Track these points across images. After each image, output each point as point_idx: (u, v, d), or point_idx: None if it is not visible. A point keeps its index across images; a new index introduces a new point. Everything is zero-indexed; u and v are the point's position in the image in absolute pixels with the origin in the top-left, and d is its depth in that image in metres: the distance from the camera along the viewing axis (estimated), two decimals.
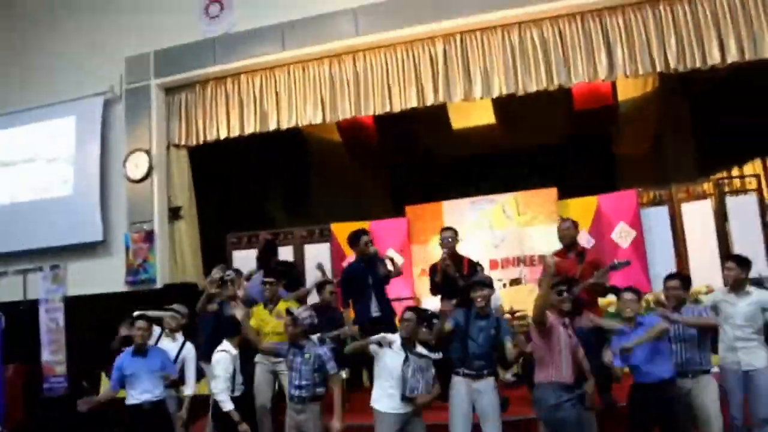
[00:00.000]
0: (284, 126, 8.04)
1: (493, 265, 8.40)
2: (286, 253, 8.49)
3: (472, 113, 10.39)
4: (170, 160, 8.52)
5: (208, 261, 8.31)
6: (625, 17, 7.08)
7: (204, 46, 8.27)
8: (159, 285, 7.97)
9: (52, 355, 8.32)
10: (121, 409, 5.27)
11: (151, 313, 5.68)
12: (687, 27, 6.87)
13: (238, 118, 8.20)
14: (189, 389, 5.55)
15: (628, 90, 9.82)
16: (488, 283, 4.91)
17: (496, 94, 7.43)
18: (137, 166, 8.29)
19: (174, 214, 8.43)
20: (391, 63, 7.73)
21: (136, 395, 5.15)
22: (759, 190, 7.70)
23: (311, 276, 7.98)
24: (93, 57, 8.76)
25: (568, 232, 5.76)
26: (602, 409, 4.85)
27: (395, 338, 4.70)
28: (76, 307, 8.28)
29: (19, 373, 8.21)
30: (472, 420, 4.66)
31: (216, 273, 5.91)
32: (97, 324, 7.68)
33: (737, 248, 6.98)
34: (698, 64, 6.83)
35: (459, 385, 4.68)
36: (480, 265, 6.37)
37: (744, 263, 4.95)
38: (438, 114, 9.80)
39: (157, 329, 5.75)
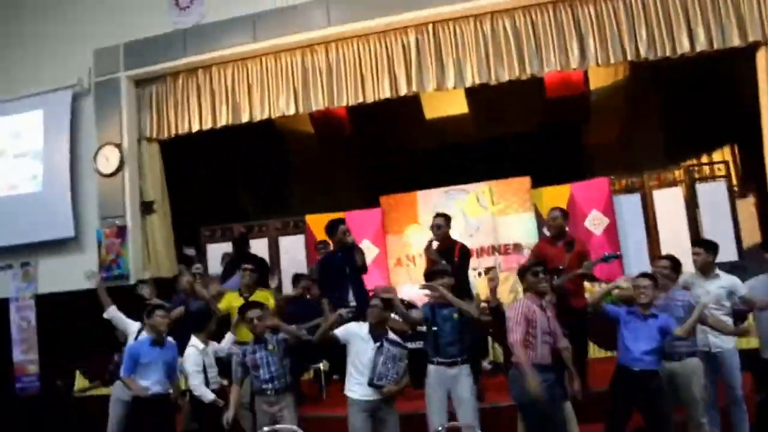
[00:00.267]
0: (257, 118, 7.96)
1: None
2: (260, 246, 8.44)
3: (445, 103, 10.41)
4: (142, 154, 8.39)
5: (181, 255, 8.25)
6: (597, 7, 7.12)
7: (174, 37, 8.14)
8: (132, 281, 7.84)
9: (24, 354, 8.19)
10: (92, 408, 5.19)
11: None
12: (657, 16, 6.94)
13: (210, 110, 8.10)
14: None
15: (599, 79, 9.90)
16: (448, 272, 4.93)
17: (468, 83, 7.44)
18: (108, 160, 8.16)
19: (146, 208, 8.32)
20: (363, 53, 7.69)
21: (148, 385, 5.05)
22: (728, 177, 7.86)
23: (287, 269, 8.01)
24: (60, 49, 8.58)
25: (556, 222, 5.75)
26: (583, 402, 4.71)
27: (364, 326, 4.71)
28: (48, 304, 8.16)
29: None
30: (448, 408, 4.67)
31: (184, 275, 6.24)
32: (70, 322, 7.60)
33: (707, 234, 7.12)
34: (668, 53, 6.91)
35: (434, 373, 4.69)
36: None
37: (711, 247, 5.03)
38: (411, 104, 9.78)
39: (136, 324, 5.69)
